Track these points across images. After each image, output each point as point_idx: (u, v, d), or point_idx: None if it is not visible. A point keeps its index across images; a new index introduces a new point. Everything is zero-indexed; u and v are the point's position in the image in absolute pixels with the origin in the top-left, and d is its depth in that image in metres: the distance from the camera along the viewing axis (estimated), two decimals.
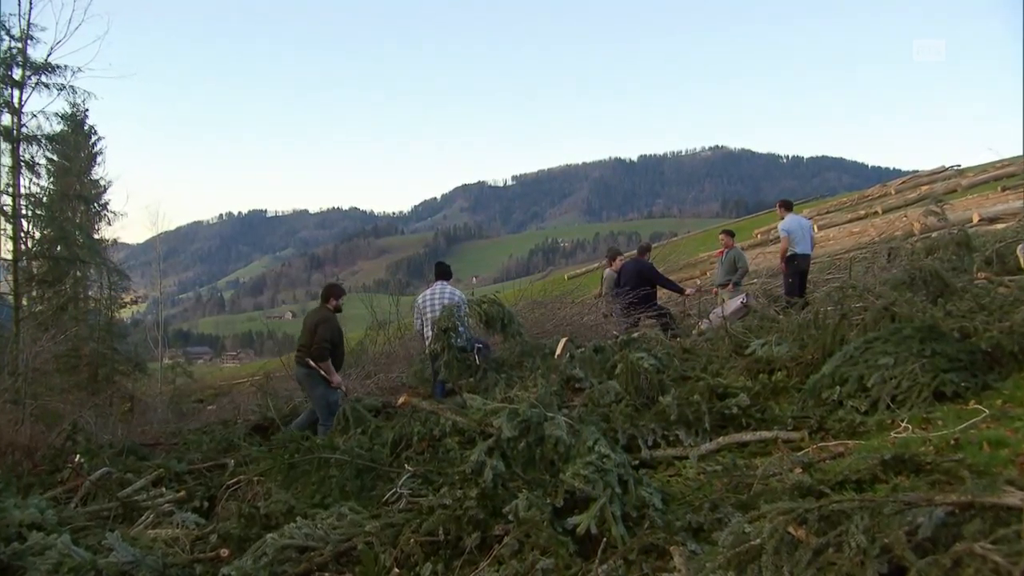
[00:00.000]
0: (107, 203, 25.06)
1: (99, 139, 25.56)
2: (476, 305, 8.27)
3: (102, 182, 25.55)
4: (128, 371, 21.51)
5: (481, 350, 7.94)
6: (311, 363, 7.63)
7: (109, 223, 24.81)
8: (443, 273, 8.95)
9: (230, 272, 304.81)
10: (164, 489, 6.16)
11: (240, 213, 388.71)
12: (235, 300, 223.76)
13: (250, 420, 9.10)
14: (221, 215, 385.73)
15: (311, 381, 7.73)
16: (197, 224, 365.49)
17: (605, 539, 3.20)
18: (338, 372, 7.88)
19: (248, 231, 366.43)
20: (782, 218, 11.44)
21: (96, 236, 23.52)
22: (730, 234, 12.41)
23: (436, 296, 8.65)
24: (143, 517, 5.50)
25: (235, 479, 5.98)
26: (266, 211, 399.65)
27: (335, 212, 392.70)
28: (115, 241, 25.20)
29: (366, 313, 14.81)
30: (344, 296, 8.25)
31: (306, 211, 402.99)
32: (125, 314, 28.01)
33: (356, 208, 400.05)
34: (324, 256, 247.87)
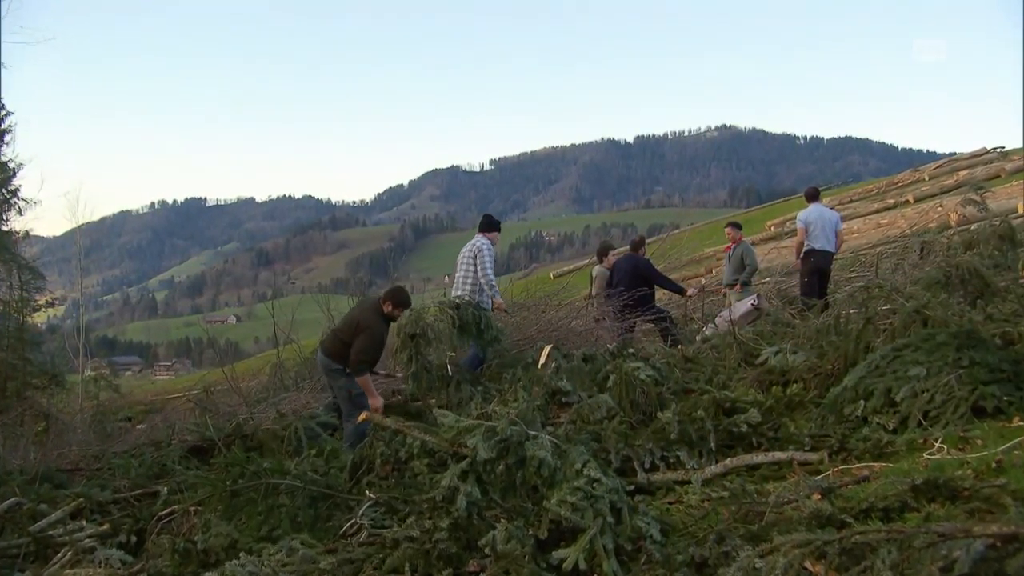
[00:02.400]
0: (17, 189, 24.64)
1: (8, 114, 25.18)
2: (447, 309, 8.26)
3: (11, 164, 25.17)
4: (43, 385, 21.22)
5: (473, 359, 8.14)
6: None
7: (20, 212, 24.41)
8: (481, 224, 9.63)
9: (163, 270, 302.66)
10: (84, 522, 6.08)
11: (175, 201, 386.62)
12: (169, 302, 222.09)
13: (186, 441, 9.01)
14: (153, 204, 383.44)
15: (333, 373, 7.75)
16: (125, 214, 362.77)
17: None
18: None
19: (185, 222, 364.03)
20: (806, 208, 11.50)
21: (4, 228, 23.22)
22: (737, 227, 12.47)
23: (469, 248, 9.39)
24: (59, 555, 5.43)
25: (168, 509, 5.92)
26: (205, 199, 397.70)
27: (286, 201, 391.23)
28: (27, 234, 24.83)
29: (321, 317, 14.73)
30: (407, 310, 8.01)
31: (252, 199, 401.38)
32: (40, 319, 27.67)
33: (310, 196, 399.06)
34: (273, 251, 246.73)
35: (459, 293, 9.13)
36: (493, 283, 9.19)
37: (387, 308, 7.76)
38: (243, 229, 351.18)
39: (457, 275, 9.41)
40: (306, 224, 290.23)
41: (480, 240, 9.39)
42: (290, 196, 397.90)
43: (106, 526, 5.91)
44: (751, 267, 11.97)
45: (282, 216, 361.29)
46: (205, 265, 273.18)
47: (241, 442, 8.16)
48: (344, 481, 5.38)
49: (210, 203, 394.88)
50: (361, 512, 4.59)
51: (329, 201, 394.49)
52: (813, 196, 11.69)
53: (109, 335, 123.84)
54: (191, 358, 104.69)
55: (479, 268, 9.12)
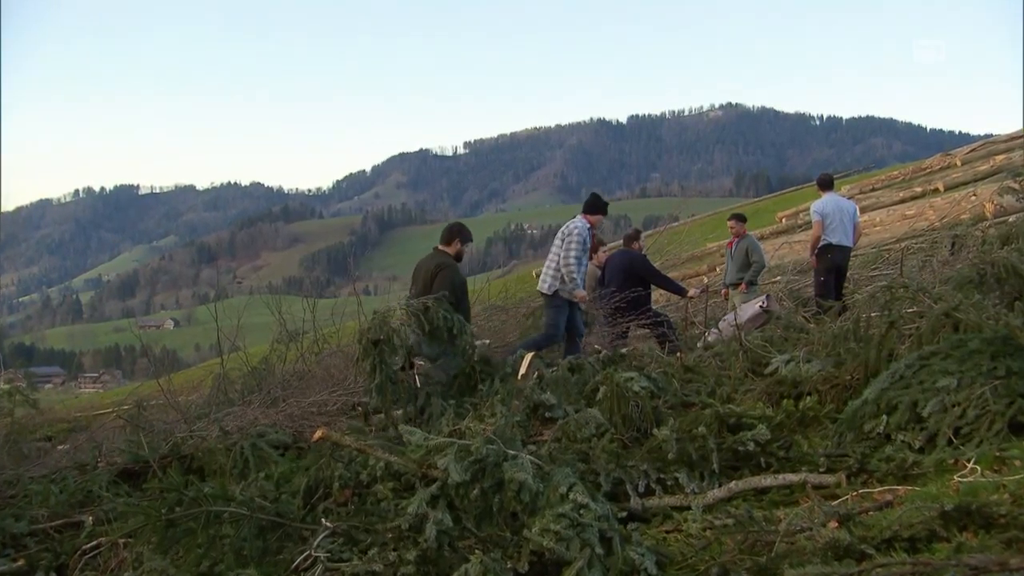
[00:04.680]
0: None
1: None
2: (416, 311, 8.25)
3: None
4: None
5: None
6: None
7: None
8: (586, 204, 9.97)
9: (90, 267, 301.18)
10: None
11: (104, 189, 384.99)
12: (96, 304, 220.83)
13: (115, 463, 8.95)
14: (78, 191, 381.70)
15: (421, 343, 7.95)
16: (44, 203, 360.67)
17: None
18: None
19: (114, 213, 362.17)
20: (820, 198, 11.57)
21: None
22: (741, 219, 12.54)
23: (565, 228, 9.67)
24: None
25: (94, 542, 5.88)
26: (138, 187, 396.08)
27: (231, 188, 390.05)
28: None
29: (271, 320, 14.68)
30: (470, 243, 8.76)
31: (192, 187, 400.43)
32: None
33: (259, 184, 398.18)
34: (217, 246, 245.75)
35: (541, 279, 9.55)
36: (574, 274, 9.35)
37: (455, 247, 8.49)
38: (182, 221, 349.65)
39: (551, 255, 9.65)
40: (254, 215, 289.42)
41: (577, 222, 9.62)
42: (236, 183, 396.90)
43: (21, 562, 5.87)
44: (758, 264, 12.02)
45: (226, 206, 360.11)
46: (138, 262, 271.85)
47: (179, 464, 8.11)
48: (297, 508, 5.36)
49: (143, 191, 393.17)
50: (316, 543, 4.58)
51: (281, 189, 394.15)
52: (827, 184, 11.77)
53: (26, 342, 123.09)
54: (121, 368, 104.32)
55: (563, 253, 9.36)
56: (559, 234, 9.70)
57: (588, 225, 9.59)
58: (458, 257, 8.53)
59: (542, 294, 9.61)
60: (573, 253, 9.32)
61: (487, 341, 8.62)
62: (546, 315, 9.68)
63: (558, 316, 9.51)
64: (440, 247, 8.58)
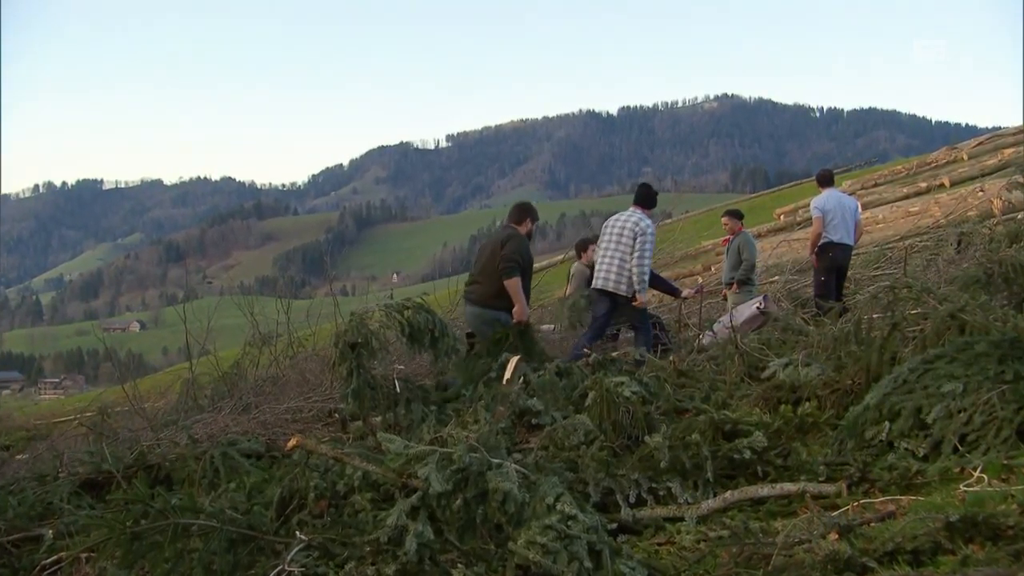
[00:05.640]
0: None
1: None
2: (396, 312, 8.25)
3: None
4: None
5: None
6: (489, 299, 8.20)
7: None
8: (641, 196, 9.90)
9: (50, 267, 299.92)
10: None
11: (65, 184, 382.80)
12: (58, 306, 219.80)
13: (77, 473, 8.92)
14: (38, 186, 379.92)
15: (484, 323, 8.17)
16: (2, 199, 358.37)
17: None
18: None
19: (77, 209, 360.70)
20: (820, 194, 11.60)
21: None
22: (736, 216, 12.54)
23: (627, 222, 9.61)
24: None
25: (54, 557, 5.86)
26: (102, 181, 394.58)
27: (201, 183, 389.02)
28: None
29: (243, 322, 14.64)
30: (537, 222, 9.03)
31: (159, 182, 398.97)
32: None
33: (230, 178, 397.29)
34: (186, 244, 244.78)
35: (604, 275, 9.52)
36: (646, 276, 9.42)
37: (527, 226, 8.65)
38: (148, 217, 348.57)
39: (602, 251, 9.67)
40: (225, 212, 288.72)
41: (644, 219, 9.61)
42: (205, 178, 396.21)
43: None
44: (748, 262, 11.98)
45: (196, 202, 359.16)
46: (102, 261, 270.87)
47: (145, 474, 8.08)
48: (270, 520, 5.35)
49: (108, 186, 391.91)
50: (290, 557, 4.57)
51: (253, 184, 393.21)
52: (827, 180, 11.80)
53: None
54: (84, 373, 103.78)
55: (637, 254, 9.35)
56: (616, 227, 9.68)
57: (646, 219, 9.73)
58: (528, 236, 8.69)
59: (608, 293, 9.54)
60: (648, 255, 9.45)
61: (551, 326, 8.81)
62: (632, 317, 9.75)
63: (644, 312, 9.69)
64: (510, 224, 8.73)
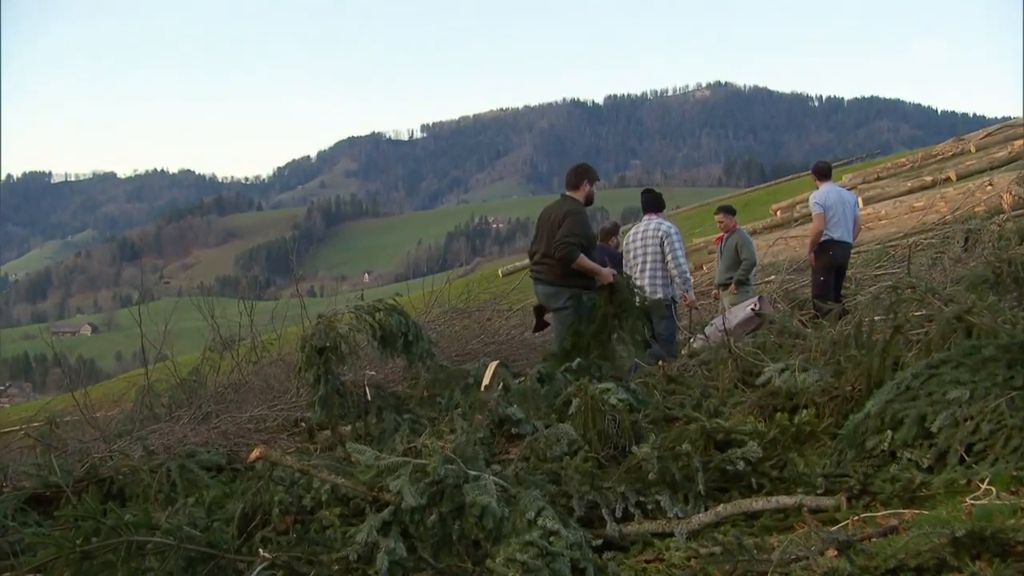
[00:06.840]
0: None
1: None
2: (367, 315, 8.23)
3: None
4: None
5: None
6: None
7: None
8: (651, 203, 10.61)
9: None
10: None
11: (11, 177, 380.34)
12: (2, 307, 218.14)
13: (23, 488, 8.87)
14: None
15: (557, 301, 8.29)
16: None
17: None
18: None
19: (23, 204, 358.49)
20: (817, 188, 11.63)
21: None
22: (730, 212, 12.58)
23: (647, 231, 10.32)
24: None
25: None
26: (51, 174, 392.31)
27: (157, 177, 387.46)
28: None
29: (203, 325, 14.59)
30: (597, 181, 9.01)
31: (113, 175, 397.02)
32: None
33: (189, 171, 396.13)
34: (141, 241, 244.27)
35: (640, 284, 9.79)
36: (688, 275, 10.19)
37: (584, 190, 8.68)
38: (101, 213, 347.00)
39: (637, 260, 10.32)
40: (183, 207, 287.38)
41: (663, 222, 10.27)
42: (163, 171, 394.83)
43: None
44: (748, 261, 12.03)
45: (152, 196, 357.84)
46: (50, 259, 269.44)
47: (96, 489, 8.04)
48: (231, 537, 5.33)
49: (57, 179, 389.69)
50: (253, 575, 4.56)
51: (214, 178, 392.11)
52: (826, 173, 11.82)
53: None
54: (31, 380, 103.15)
55: (670, 256, 10.05)
56: (638, 241, 10.36)
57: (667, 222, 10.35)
58: (588, 200, 8.71)
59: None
60: (681, 253, 10.12)
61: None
62: (658, 324, 10.03)
63: (672, 323, 10.32)
64: (568, 193, 8.71)
